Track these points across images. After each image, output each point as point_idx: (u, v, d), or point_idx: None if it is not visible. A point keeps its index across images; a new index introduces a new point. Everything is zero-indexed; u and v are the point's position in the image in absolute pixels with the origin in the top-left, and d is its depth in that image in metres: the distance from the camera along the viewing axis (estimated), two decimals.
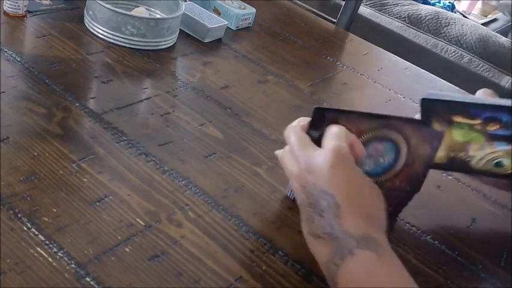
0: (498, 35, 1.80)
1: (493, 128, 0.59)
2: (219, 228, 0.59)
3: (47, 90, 0.72)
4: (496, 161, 0.61)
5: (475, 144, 0.61)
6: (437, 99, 0.59)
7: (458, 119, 0.60)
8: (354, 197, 0.54)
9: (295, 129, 0.59)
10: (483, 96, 0.65)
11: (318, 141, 0.57)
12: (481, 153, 0.62)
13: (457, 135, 0.61)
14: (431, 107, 0.59)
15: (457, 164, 0.63)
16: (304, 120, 0.60)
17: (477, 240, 0.69)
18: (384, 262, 0.51)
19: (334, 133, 0.56)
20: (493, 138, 0.60)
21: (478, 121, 0.59)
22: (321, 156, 0.54)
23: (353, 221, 0.52)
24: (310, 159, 0.55)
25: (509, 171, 0.61)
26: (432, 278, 0.61)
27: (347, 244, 0.51)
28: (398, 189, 0.63)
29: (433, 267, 0.62)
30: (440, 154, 0.63)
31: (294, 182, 0.57)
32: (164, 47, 0.91)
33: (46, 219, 0.54)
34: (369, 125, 0.59)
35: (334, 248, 0.52)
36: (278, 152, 0.62)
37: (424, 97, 0.59)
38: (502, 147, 0.60)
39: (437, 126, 0.60)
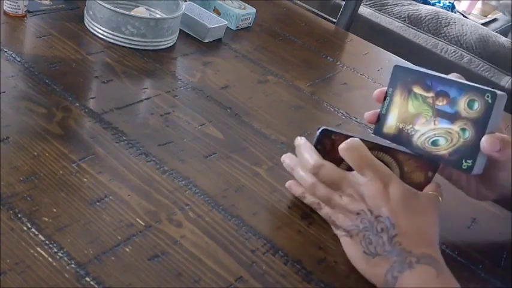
0: (498, 35, 1.80)
1: (441, 103, 0.61)
2: (219, 228, 0.59)
3: (47, 90, 0.72)
4: (433, 139, 0.62)
5: (423, 118, 0.63)
6: (406, 68, 0.64)
7: (416, 89, 0.63)
8: (408, 217, 0.56)
9: (323, 163, 0.61)
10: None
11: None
12: (425, 128, 0.63)
13: (411, 106, 0.64)
14: (399, 75, 0.65)
15: (402, 137, 0.65)
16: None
17: (477, 240, 0.69)
18: (442, 278, 0.53)
19: (365, 158, 0.59)
20: (439, 114, 0.61)
21: (431, 94, 0.62)
22: (369, 181, 0.57)
23: (411, 240, 0.55)
24: (358, 186, 0.58)
25: (441, 152, 0.61)
26: None
27: (407, 260, 0.53)
28: None
29: None
30: (392, 124, 0.65)
31: (343, 211, 0.60)
32: (164, 47, 0.91)
33: (46, 219, 0.54)
34: (367, 146, 0.60)
35: (393, 263, 0.54)
36: (296, 187, 0.66)
37: (396, 64, 0.65)
38: (443, 125, 0.61)
39: (399, 93, 0.65)
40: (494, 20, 2.74)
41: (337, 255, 0.60)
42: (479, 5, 3.22)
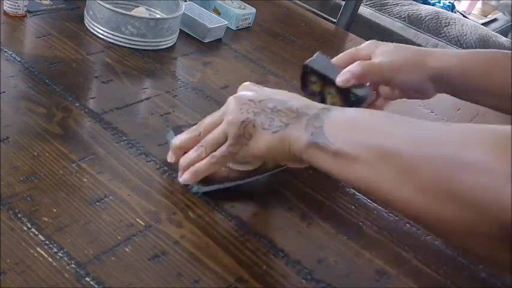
0: (498, 35, 1.80)
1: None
2: (219, 228, 0.59)
3: (47, 90, 0.72)
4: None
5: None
6: (314, 71, 0.74)
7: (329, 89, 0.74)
8: (284, 94, 0.60)
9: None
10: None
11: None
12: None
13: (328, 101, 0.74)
14: (308, 74, 0.75)
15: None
16: None
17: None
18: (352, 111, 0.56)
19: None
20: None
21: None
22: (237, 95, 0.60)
23: (301, 101, 0.58)
24: (227, 105, 0.60)
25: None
26: (432, 278, 0.61)
27: (313, 111, 0.55)
28: None
29: (433, 267, 0.62)
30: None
31: (229, 118, 0.59)
32: (164, 47, 0.91)
33: (46, 219, 0.54)
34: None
35: (306, 122, 0.54)
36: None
37: (306, 63, 0.75)
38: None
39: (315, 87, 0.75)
40: (494, 20, 2.74)
41: (337, 255, 0.60)
42: (479, 5, 3.22)
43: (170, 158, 0.64)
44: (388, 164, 0.47)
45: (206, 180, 0.62)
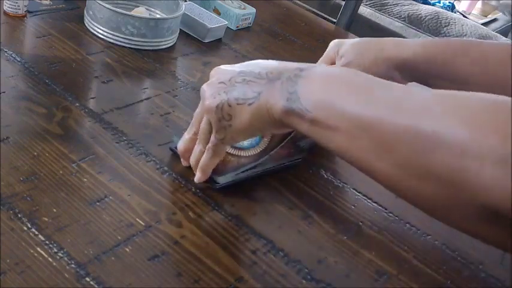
0: (498, 35, 1.80)
1: None
2: (219, 228, 0.59)
3: (47, 90, 0.72)
4: None
5: None
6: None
7: None
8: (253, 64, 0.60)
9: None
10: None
11: None
12: None
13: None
14: None
15: None
16: None
17: (477, 240, 0.69)
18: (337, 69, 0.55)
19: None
20: None
21: None
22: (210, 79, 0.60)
23: (272, 64, 0.58)
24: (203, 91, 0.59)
25: None
26: (432, 278, 0.61)
27: (291, 73, 0.54)
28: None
29: (433, 267, 0.62)
30: None
31: (207, 101, 0.58)
32: (164, 47, 0.91)
33: (46, 219, 0.54)
34: None
35: (281, 84, 0.54)
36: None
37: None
38: None
39: None
40: (494, 20, 2.74)
41: (337, 255, 0.60)
42: (479, 5, 3.22)
43: (183, 163, 0.65)
44: (367, 135, 0.45)
45: (219, 173, 0.63)
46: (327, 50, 0.79)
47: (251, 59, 0.96)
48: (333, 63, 0.76)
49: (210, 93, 0.57)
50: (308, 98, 0.50)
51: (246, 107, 0.55)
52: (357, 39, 0.78)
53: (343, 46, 0.76)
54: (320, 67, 0.54)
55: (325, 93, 0.49)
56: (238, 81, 0.57)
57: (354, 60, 0.74)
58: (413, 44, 0.74)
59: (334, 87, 0.50)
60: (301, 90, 0.51)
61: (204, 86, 0.59)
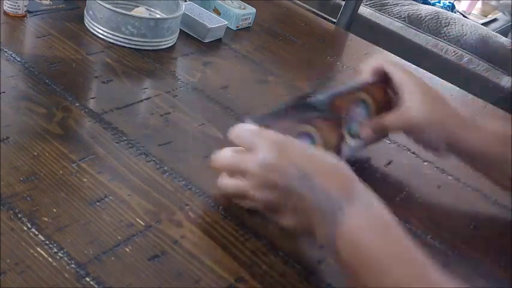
0: (498, 35, 1.80)
1: None
2: (219, 228, 0.59)
3: (47, 90, 0.72)
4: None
5: None
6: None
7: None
8: (316, 164, 0.55)
9: (225, 153, 0.60)
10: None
11: None
12: None
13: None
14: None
15: None
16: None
17: (477, 240, 0.69)
18: (373, 213, 0.53)
19: (252, 132, 0.58)
20: None
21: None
22: (266, 152, 0.55)
23: (330, 183, 0.54)
24: (258, 160, 0.55)
25: None
26: None
27: (335, 206, 0.52)
28: None
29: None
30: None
31: (257, 192, 0.56)
32: (164, 47, 0.91)
33: (46, 219, 0.54)
34: (286, 122, 0.63)
35: (326, 216, 0.53)
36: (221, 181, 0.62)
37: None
38: None
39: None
40: (494, 20, 2.74)
41: None
42: (479, 5, 3.23)
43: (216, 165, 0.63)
44: None
45: None
46: (392, 70, 0.73)
47: (251, 59, 0.96)
48: (379, 74, 0.73)
49: (280, 175, 0.55)
50: (341, 244, 0.52)
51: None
52: (433, 95, 0.72)
53: (409, 89, 0.71)
54: (359, 218, 0.53)
55: (357, 253, 0.51)
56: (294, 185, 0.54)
57: (425, 116, 0.69)
58: (485, 133, 0.71)
59: (366, 249, 0.51)
60: (337, 234, 0.52)
61: (272, 159, 0.56)
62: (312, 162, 0.55)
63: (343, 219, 0.52)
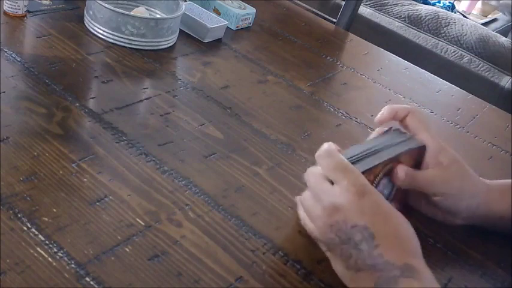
0: (498, 35, 1.80)
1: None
2: (219, 228, 0.59)
3: (47, 90, 0.72)
4: None
5: None
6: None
7: None
8: (387, 226, 0.54)
9: (313, 170, 0.59)
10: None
11: None
12: None
13: None
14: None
15: None
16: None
17: (477, 240, 0.69)
18: None
19: (339, 165, 0.56)
20: None
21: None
22: (343, 192, 0.54)
23: (392, 251, 0.52)
24: (332, 197, 0.55)
25: None
26: None
27: (391, 274, 0.51)
28: None
29: (433, 267, 0.62)
30: None
31: (319, 224, 0.56)
32: (164, 47, 0.91)
33: (46, 219, 0.54)
34: (381, 166, 0.61)
35: (378, 279, 0.52)
36: (298, 197, 0.61)
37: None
38: None
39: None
40: (494, 20, 2.74)
41: None
42: (479, 5, 3.22)
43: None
44: None
45: None
46: (399, 112, 0.67)
47: (251, 59, 0.96)
48: (398, 119, 0.68)
49: (328, 224, 0.55)
50: None
51: (340, 264, 0.56)
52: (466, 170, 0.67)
53: (448, 158, 0.65)
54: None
55: None
56: (356, 239, 0.54)
57: (452, 187, 0.65)
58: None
59: None
60: None
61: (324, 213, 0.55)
62: (382, 224, 0.54)
63: None
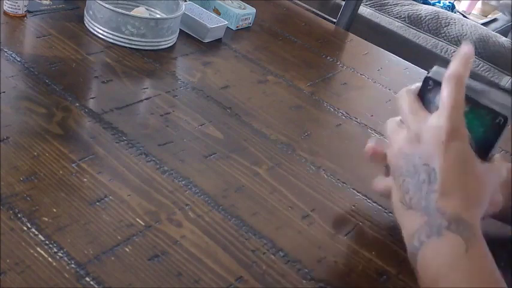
0: (498, 35, 1.80)
1: None
2: (219, 228, 0.59)
3: (47, 90, 0.72)
4: None
5: None
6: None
7: None
8: (459, 177, 0.51)
9: (409, 92, 0.56)
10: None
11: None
12: None
13: None
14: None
15: None
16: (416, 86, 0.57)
17: None
18: (471, 254, 0.48)
19: (451, 103, 0.52)
20: None
21: None
22: (435, 128, 0.51)
23: (450, 200, 0.50)
24: (422, 128, 0.52)
25: None
26: None
27: (437, 222, 0.49)
28: None
29: None
30: None
31: (395, 147, 0.54)
32: (164, 47, 0.91)
33: (46, 219, 0.54)
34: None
35: (423, 224, 0.50)
36: (389, 120, 0.58)
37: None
38: None
39: None
40: (494, 20, 2.74)
41: (337, 255, 0.60)
42: (479, 5, 3.22)
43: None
44: None
45: None
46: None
47: (251, 59, 0.96)
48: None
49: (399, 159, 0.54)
50: (420, 269, 0.50)
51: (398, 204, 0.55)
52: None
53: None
54: (442, 248, 0.49)
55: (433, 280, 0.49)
56: (421, 178, 0.52)
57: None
58: None
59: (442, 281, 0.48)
60: (419, 258, 0.50)
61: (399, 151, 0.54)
62: (456, 175, 0.51)
63: (427, 245, 0.49)
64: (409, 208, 0.52)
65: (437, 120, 0.52)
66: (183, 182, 0.64)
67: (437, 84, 0.55)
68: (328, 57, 1.06)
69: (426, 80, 0.57)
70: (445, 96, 0.52)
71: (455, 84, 0.52)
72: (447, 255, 0.48)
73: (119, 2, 0.96)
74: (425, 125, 0.52)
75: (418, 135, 0.53)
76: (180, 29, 0.94)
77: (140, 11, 0.92)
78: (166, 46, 0.91)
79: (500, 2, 2.95)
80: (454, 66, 0.54)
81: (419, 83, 0.58)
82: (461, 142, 0.51)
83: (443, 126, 0.51)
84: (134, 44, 0.87)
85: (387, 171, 0.60)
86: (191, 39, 0.97)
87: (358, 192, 0.70)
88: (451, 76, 0.53)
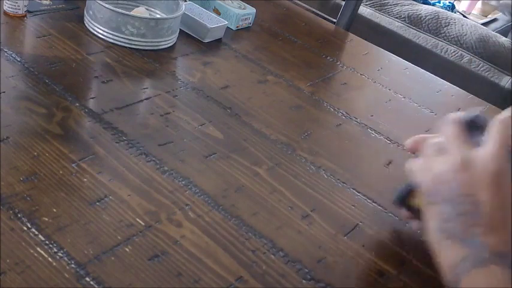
0: (498, 35, 1.80)
1: None
2: (219, 228, 0.59)
3: (47, 90, 0.72)
4: None
5: None
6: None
7: None
8: (506, 214, 0.50)
9: (457, 121, 0.55)
10: None
11: None
12: None
13: None
14: None
15: None
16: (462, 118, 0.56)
17: None
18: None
19: (500, 137, 0.51)
20: None
21: None
22: (485, 159, 0.50)
23: (496, 236, 0.49)
24: (469, 157, 0.51)
25: None
26: (432, 279, 0.61)
27: (481, 255, 0.49)
28: None
29: (433, 268, 0.62)
30: None
31: (435, 171, 0.53)
32: (164, 47, 0.91)
33: (46, 219, 0.54)
34: None
35: (465, 255, 0.50)
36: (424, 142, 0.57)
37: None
38: None
39: None
40: (494, 20, 2.74)
41: (337, 255, 0.60)
42: (479, 5, 3.23)
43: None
44: None
45: None
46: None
47: (251, 59, 0.96)
48: None
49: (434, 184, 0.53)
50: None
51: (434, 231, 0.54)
52: None
53: None
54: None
55: None
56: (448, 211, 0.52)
57: None
58: None
59: None
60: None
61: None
62: (502, 209, 0.50)
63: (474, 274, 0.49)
64: (448, 238, 0.51)
65: (489, 149, 0.51)
66: (183, 182, 0.64)
67: (480, 128, 0.55)
68: (328, 57, 1.06)
69: (471, 121, 0.57)
70: (495, 134, 0.52)
71: (505, 126, 0.52)
72: (489, 283, 0.48)
73: (119, 2, 0.96)
74: (477, 155, 0.51)
75: (468, 162, 0.51)
76: (180, 29, 0.94)
77: (140, 11, 0.92)
78: (166, 46, 0.91)
79: (500, 2, 2.95)
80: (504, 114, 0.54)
81: (462, 113, 0.57)
82: (508, 176, 0.51)
83: (497, 161, 0.50)
84: (134, 44, 0.87)
85: (411, 215, 0.61)
86: (191, 39, 0.97)
87: (358, 192, 0.70)
88: (501, 119, 0.53)
